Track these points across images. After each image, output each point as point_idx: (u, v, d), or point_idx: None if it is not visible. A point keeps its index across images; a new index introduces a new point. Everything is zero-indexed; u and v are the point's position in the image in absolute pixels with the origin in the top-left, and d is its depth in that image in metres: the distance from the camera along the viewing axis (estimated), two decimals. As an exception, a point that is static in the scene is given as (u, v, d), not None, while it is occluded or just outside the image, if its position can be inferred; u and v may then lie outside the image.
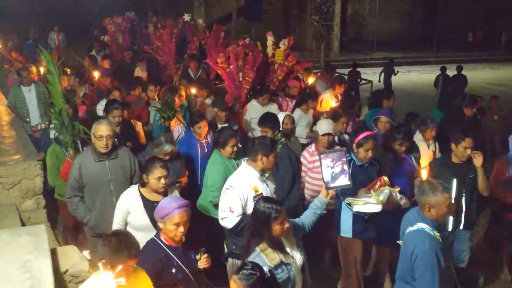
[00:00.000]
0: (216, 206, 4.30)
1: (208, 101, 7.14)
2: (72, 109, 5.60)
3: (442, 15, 26.71)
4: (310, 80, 8.60)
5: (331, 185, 3.61)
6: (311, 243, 3.97)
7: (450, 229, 4.55)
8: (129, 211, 3.83)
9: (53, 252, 3.68)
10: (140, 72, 9.44)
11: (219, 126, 5.84)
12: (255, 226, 3.13)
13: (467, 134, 4.46)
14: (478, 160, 4.42)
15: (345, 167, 3.62)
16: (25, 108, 7.09)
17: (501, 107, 9.50)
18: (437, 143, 5.68)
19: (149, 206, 3.77)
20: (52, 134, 5.15)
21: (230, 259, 4.01)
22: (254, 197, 3.79)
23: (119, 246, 2.66)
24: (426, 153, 5.54)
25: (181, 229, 3.17)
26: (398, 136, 4.82)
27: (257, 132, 5.68)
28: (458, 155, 4.54)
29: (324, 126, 5.10)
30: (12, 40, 14.14)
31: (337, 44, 22.75)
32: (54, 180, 5.09)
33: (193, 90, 7.37)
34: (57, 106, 4.77)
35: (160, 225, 3.22)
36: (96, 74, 8.50)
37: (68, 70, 8.43)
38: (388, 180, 4.19)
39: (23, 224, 4.66)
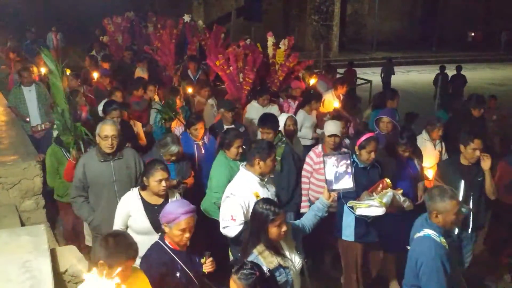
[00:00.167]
0: (220, 208, 4.20)
1: (210, 101, 7.06)
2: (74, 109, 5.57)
3: (442, 15, 26.71)
4: (312, 81, 8.56)
5: (334, 187, 3.51)
6: (312, 245, 3.94)
7: (456, 232, 4.45)
8: (129, 214, 3.81)
9: (53, 252, 3.67)
10: (141, 72, 9.36)
11: (225, 127, 5.72)
12: (253, 227, 3.10)
13: (476, 135, 4.35)
14: (486, 163, 4.33)
15: (349, 169, 3.52)
16: (25, 108, 7.10)
17: (501, 107, 9.48)
18: (443, 143, 5.64)
19: (150, 209, 3.76)
20: (55, 135, 5.12)
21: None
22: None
23: (117, 247, 2.64)
24: (432, 152, 5.51)
25: (187, 234, 3.13)
26: (402, 141, 4.77)
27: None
28: (467, 157, 4.42)
29: (330, 127, 5.02)
30: (11, 40, 14.06)
31: (337, 44, 22.71)
32: (53, 181, 5.07)
33: (190, 90, 7.32)
34: (60, 107, 4.73)
35: (166, 229, 3.17)
36: (95, 75, 8.48)
37: (68, 71, 8.40)
38: (390, 182, 4.14)
39: (22, 224, 4.65)
